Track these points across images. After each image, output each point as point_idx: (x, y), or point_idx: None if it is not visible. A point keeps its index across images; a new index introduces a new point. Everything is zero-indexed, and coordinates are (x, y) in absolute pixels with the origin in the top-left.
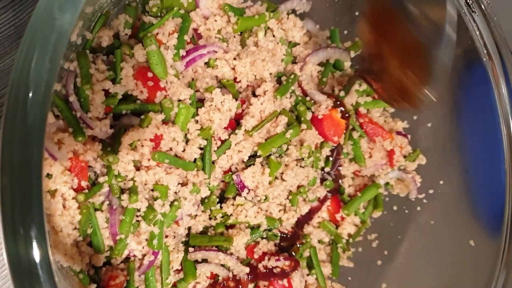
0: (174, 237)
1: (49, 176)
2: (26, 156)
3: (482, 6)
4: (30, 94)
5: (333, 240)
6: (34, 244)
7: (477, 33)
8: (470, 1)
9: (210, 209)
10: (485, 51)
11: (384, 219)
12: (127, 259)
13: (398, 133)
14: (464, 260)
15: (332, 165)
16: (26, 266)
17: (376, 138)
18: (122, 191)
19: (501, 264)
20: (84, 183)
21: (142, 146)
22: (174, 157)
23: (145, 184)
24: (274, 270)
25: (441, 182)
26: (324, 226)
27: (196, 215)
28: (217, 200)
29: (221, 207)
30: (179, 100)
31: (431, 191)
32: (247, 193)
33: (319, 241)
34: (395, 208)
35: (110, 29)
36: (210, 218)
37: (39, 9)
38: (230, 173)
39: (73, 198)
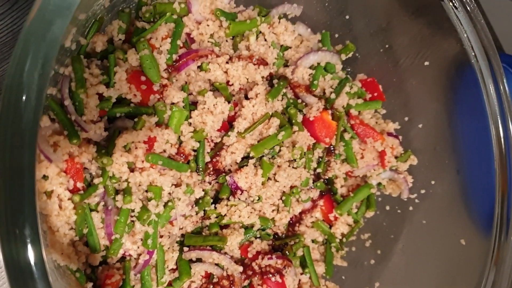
0: (169, 237)
1: (45, 177)
2: (18, 158)
3: (468, 8)
4: (24, 98)
5: (326, 239)
6: (29, 246)
7: (465, 35)
8: (456, 3)
9: (205, 210)
10: (473, 53)
11: (377, 219)
12: (123, 259)
13: (389, 134)
14: (456, 258)
15: (324, 167)
16: (21, 267)
17: (367, 139)
18: (117, 192)
19: (491, 262)
20: (79, 185)
21: (136, 148)
22: (167, 159)
23: (139, 185)
24: (267, 269)
25: (433, 182)
26: (317, 226)
27: (191, 215)
28: (211, 200)
29: (215, 208)
30: (173, 103)
31: (423, 191)
32: (241, 194)
33: (313, 241)
34: (387, 208)
35: (104, 34)
36: (204, 219)
37: (33, 15)
38: (224, 174)
39: (69, 199)
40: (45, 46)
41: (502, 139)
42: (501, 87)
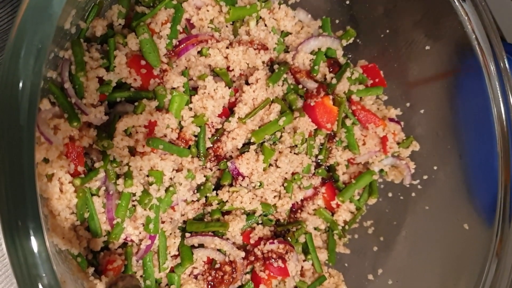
0: (171, 223)
1: (45, 160)
2: (17, 145)
3: None
4: (20, 83)
5: (329, 227)
6: (31, 231)
7: (466, 18)
8: None
9: (206, 196)
10: (474, 37)
11: (379, 206)
12: (124, 245)
13: (391, 120)
14: (459, 245)
15: (325, 154)
16: (24, 253)
17: (368, 125)
18: (118, 176)
19: (494, 248)
20: (80, 169)
21: (137, 132)
22: (168, 143)
23: (140, 169)
24: (270, 254)
25: (435, 168)
26: (320, 213)
27: (192, 201)
28: (213, 187)
29: (217, 194)
30: (173, 88)
31: (425, 177)
32: (242, 180)
33: (315, 228)
34: (390, 194)
35: (104, 19)
36: (205, 205)
37: None
38: (225, 160)
39: (69, 182)
40: (42, 27)
41: (505, 123)
42: (503, 69)
